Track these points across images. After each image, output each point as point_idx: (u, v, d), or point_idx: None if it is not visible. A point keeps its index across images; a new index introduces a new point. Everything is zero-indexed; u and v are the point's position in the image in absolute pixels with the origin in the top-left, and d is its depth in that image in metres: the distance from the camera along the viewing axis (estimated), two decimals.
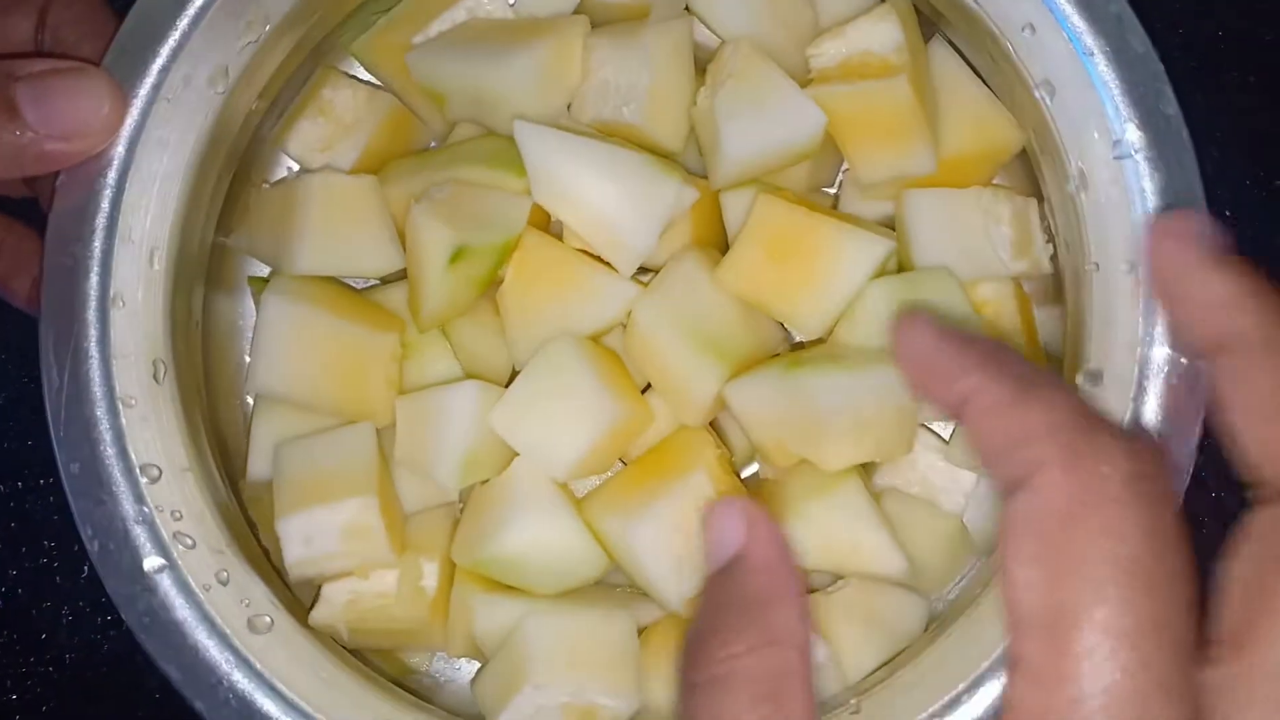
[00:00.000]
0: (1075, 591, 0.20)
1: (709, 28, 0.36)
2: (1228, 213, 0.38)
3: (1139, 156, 0.29)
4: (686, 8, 0.36)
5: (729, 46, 0.33)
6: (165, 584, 0.29)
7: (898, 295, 0.32)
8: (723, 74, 0.33)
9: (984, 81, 0.35)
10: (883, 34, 0.31)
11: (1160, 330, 0.29)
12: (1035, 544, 0.21)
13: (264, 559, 0.33)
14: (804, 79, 0.33)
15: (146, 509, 0.29)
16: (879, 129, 0.32)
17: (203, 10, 0.32)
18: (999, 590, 0.21)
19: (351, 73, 0.38)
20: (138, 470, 0.30)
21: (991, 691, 0.29)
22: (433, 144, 0.39)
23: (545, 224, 0.35)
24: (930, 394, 0.25)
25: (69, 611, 0.39)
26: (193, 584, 0.29)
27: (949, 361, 0.24)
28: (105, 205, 0.31)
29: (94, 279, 0.30)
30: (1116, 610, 0.20)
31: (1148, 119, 0.29)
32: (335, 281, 0.36)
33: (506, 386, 0.34)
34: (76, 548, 0.39)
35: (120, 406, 0.30)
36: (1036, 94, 0.31)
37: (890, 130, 0.32)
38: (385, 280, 0.37)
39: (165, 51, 0.31)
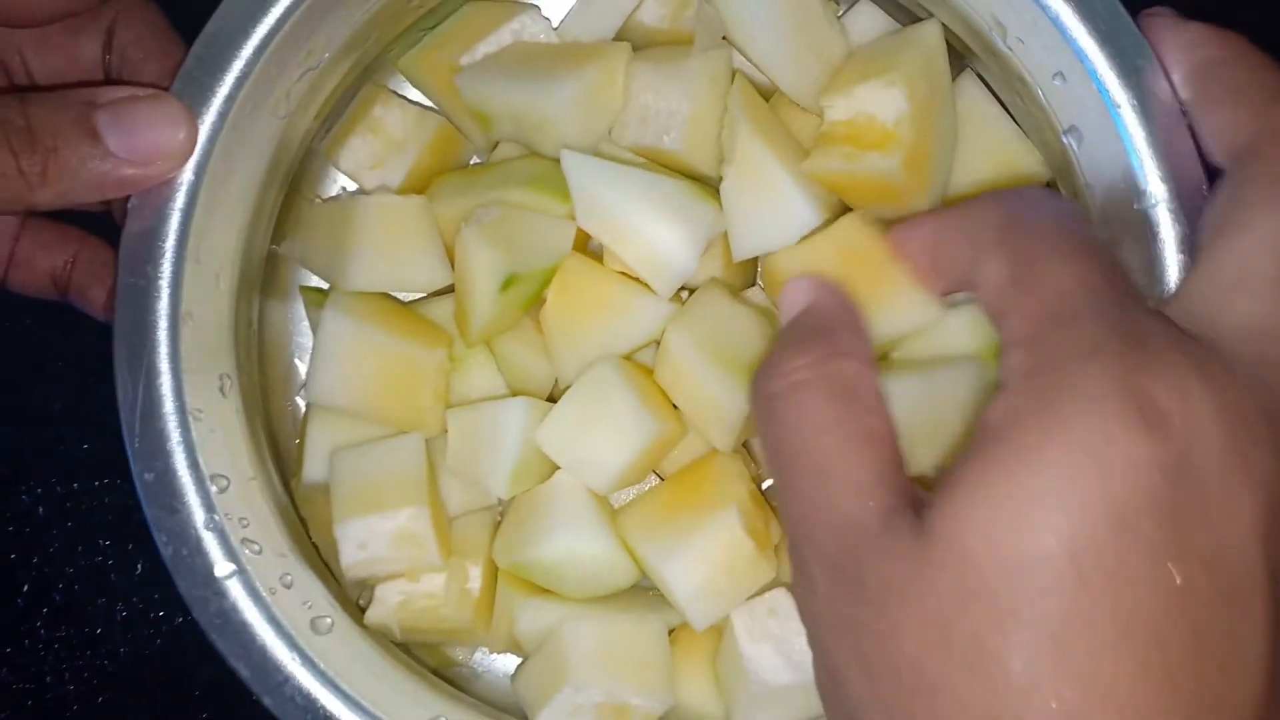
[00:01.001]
0: None
1: (747, 57, 0.37)
2: None
3: (1161, 206, 0.31)
4: (725, 37, 0.37)
5: (730, 110, 0.35)
6: (235, 588, 0.31)
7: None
8: (726, 149, 0.34)
9: (1011, 116, 0.36)
10: (889, 102, 0.32)
11: None
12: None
13: (318, 557, 0.35)
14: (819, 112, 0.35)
15: (216, 517, 0.31)
16: (875, 194, 0.34)
17: (266, 39, 0.33)
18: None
19: (397, 88, 0.40)
20: (208, 480, 0.32)
21: None
22: (475, 159, 0.40)
23: (584, 243, 0.37)
24: (942, 276, 0.28)
25: (123, 608, 0.41)
26: (260, 588, 0.31)
27: (955, 241, 0.27)
28: (175, 228, 0.32)
29: (165, 298, 0.32)
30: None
31: (1171, 171, 0.31)
32: (388, 298, 0.37)
33: (549, 399, 0.36)
34: (130, 547, 0.41)
35: (190, 420, 0.32)
36: (1064, 140, 0.33)
37: (887, 194, 0.34)
38: (431, 293, 0.39)
39: (231, 79, 0.33)
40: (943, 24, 0.35)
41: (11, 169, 0.30)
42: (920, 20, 0.36)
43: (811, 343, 0.27)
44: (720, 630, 0.35)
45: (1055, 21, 0.32)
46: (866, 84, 0.34)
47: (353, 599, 0.35)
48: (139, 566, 0.41)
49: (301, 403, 0.39)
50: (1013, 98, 0.35)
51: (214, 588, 0.31)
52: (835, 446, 0.24)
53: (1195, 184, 0.31)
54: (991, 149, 0.36)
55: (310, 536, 0.36)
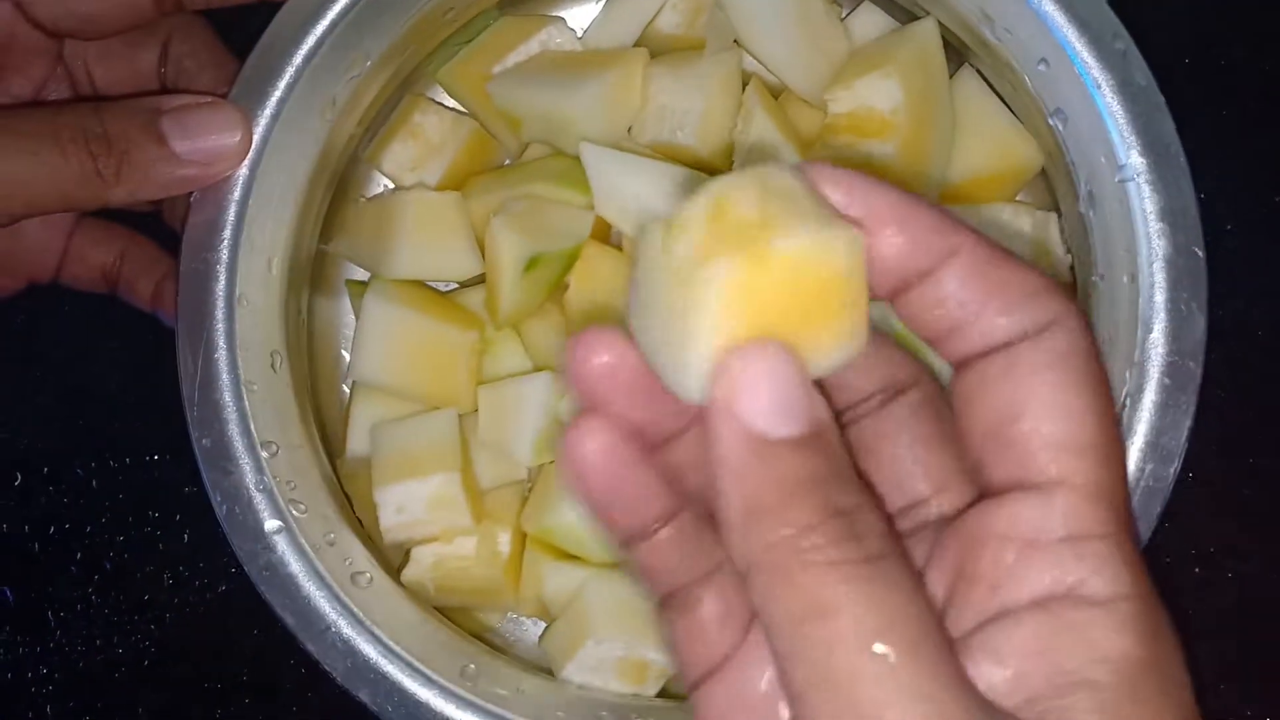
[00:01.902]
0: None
1: (756, 58, 0.40)
2: (1229, 226, 0.41)
3: (1141, 180, 0.33)
4: (735, 41, 0.40)
5: (747, 106, 0.37)
6: (282, 544, 0.34)
7: None
8: (739, 139, 0.37)
9: (1008, 106, 0.38)
10: (886, 93, 0.35)
11: (1155, 337, 0.32)
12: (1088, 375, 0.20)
13: (360, 526, 0.38)
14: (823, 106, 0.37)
15: (266, 479, 0.34)
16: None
17: (315, 49, 0.36)
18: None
19: (436, 98, 0.43)
20: (259, 446, 0.34)
21: None
22: (507, 161, 0.44)
23: (605, 235, 0.39)
24: (912, 243, 0.20)
25: (170, 576, 0.43)
26: (304, 544, 0.34)
27: (928, 215, 0.20)
28: (232, 219, 0.36)
29: (222, 282, 0.35)
30: None
31: (1149, 146, 0.33)
32: (424, 285, 0.40)
33: None
34: (178, 518, 0.43)
35: (244, 391, 0.35)
36: (1050, 121, 0.35)
37: (888, 179, 0.36)
38: (465, 284, 0.41)
39: (283, 85, 0.36)
40: (939, 21, 0.38)
41: (91, 170, 0.34)
42: (918, 19, 0.38)
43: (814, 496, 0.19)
44: None
45: (1038, 11, 0.34)
46: (865, 77, 0.36)
47: (392, 564, 0.38)
48: (185, 536, 0.43)
49: (347, 390, 0.42)
50: (1005, 87, 0.37)
51: (263, 542, 0.34)
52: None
53: (1172, 157, 0.32)
54: (989, 138, 0.38)
55: (355, 511, 0.38)
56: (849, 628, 0.18)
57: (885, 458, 0.22)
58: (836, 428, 0.19)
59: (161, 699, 0.43)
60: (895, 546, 0.19)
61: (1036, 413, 0.20)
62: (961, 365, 0.21)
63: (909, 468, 0.22)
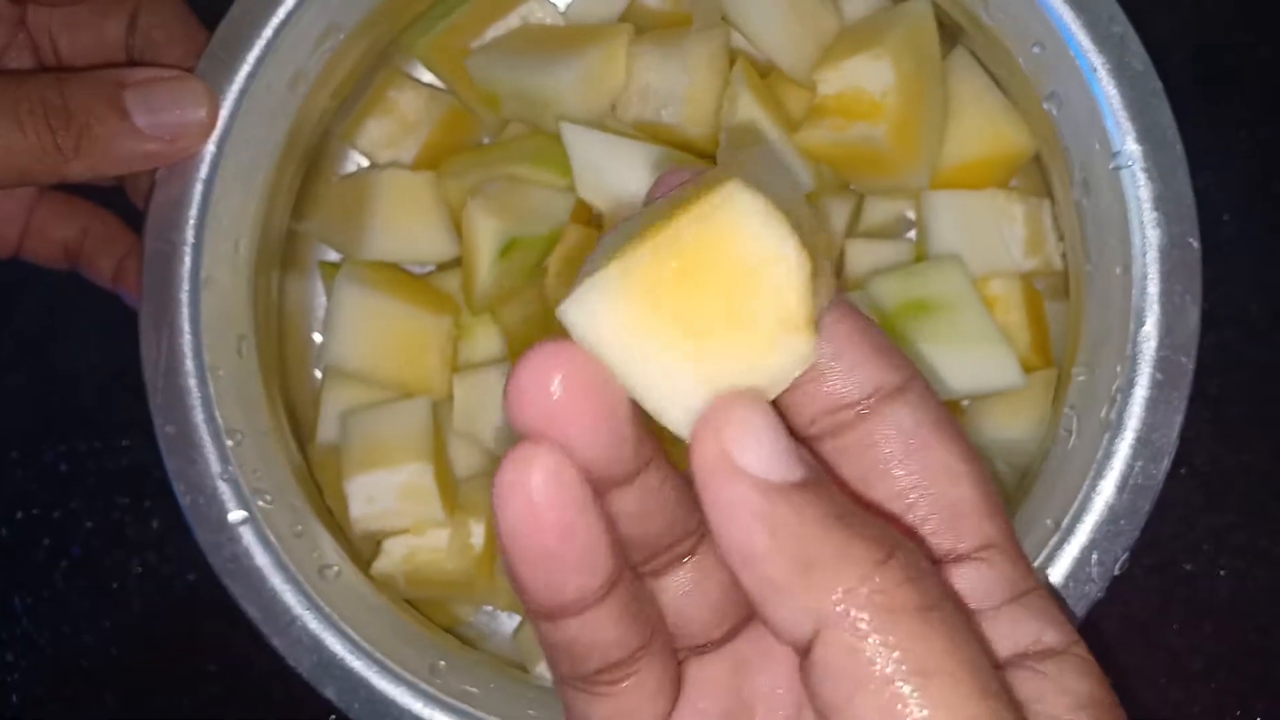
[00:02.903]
0: None
1: (744, 35, 0.39)
2: (1226, 216, 0.40)
3: (1136, 168, 0.32)
4: (723, 17, 0.38)
5: (733, 86, 0.36)
6: (247, 535, 0.33)
7: (908, 287, 0.35)
8: (725, 118, 0.36)
9: (1001, 90, 0.37)
10: (876, 74, 0.33)
11: (1147, 330, 0.31)
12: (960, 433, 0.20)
13: (330, 516, 0.37)
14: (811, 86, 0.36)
15: (231, 468, 0.33)
16: (866, 164, 0.35)
17: (285, 22, 0.35)
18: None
19: (412, 72, 0.42)
20: (224, 433, 0.33)
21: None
22: (485, 139, 0.42)
23: (586, 217, 0.38)
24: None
25: (138, 563, 0.42)
26: (270, 535, 0.33)
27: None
28: (198, 197, 0.34)
29: (188, 263, 0.34)
30: None
31: (1145, 133, 0.32)
32: (398, 268, 0.39)
33: None
34: (147, 504, 0.42)
35: (209, 376, 0.34)
36: (1045, 106, 0.34)
37: (877, 164, 0.35)
38: (441, 266, 0.40)
39: (251, 59, 0.35)
40: (932, 1, 0.36)
41: (50, 144, 0.32)
42: None
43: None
44: None
45: None
46: (855, 58, 0.35)
47: (362, 555, 0.37)
48: (154, 523, 0.42)
49: (319, 374, 0.41)
50: (999, 70, 0.36)
51: (227, 533, 0.33)
52: None
53: (1169, 144, 0.31)
54: (982, 120, 0.37)
55: (325, 501, 0.37)
56: (967, 674, 0.16)
57: None
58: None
59: (128, 687, 0.42)
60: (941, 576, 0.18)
61: (937, 480, 0.19)
62: (820, 430, 0.20)
63: None
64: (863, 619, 0.16)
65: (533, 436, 0.17)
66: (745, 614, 0.21)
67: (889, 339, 0.20)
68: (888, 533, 0.17)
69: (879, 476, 0.19)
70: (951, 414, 0.20)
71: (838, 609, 0.16)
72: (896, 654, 0.16)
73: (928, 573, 0.17)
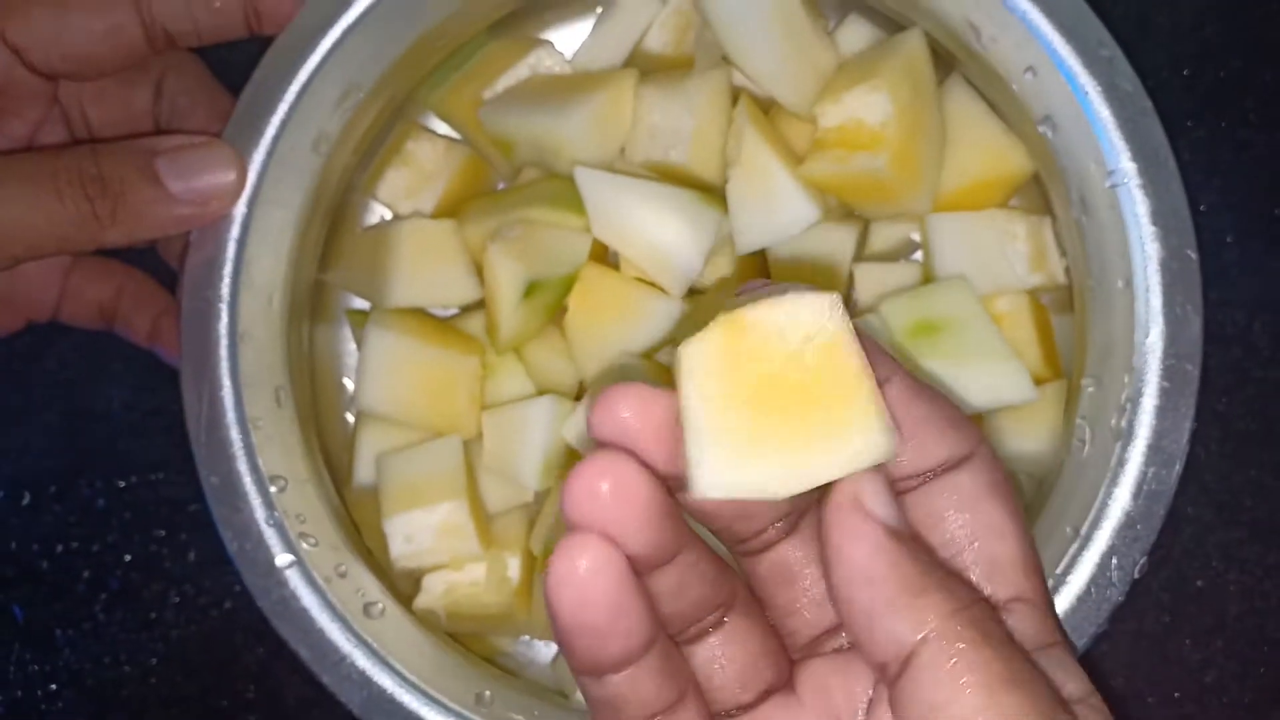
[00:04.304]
0: None
1: (745, 74, 0.40)
2: (1229, 238, 0.41)
3: (1131, 185, 0.33)
4: (724, 57, 0.40)
5: (737, 123, 0.37)
6: (294, 577, 0.34)
7: (917, 308, 0.36)
8: (731, 155, 0.37)
9: (998, 114, 0.38)
10: (875, 105, 0.35)
11: (1152, 340, 0.32)
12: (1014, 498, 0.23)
13: (370, 556, 0.38)
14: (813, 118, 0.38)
15: (276, 514, 0.34)
16: (869, 193, 0.36)
17: (306, 85, 0.36)
18: None
19: (429, 124, 0.43)
20: (267, 481, 0.35)
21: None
22: (501, 185, 0.44)
23: (603, 255, 0.40)
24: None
25: (175, 594, 0.43)
26: (316, 577, 0.34)
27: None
28: (231, 256, 0.36)
29: (225, 320, 0.35)
30: None
31: (1139, 151, 0.33)
32: (424, 313, 0.41)
33: (576, 399, 0.39)
34: (183, 536, 0.43)
35: (250, 427, 0.35)
36: (1040, 129, 0.35)
37: (880, 192, 0.36)
38: (464, 309, 0.42)
39: (276, 122, 0.36)
40: (925, 31, 0.38)
41: (88, 212, 0.34)
42: (905, 29, 0.38)
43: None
44: None
45: (1024, 20, 0.34)
46: (854, 90, 0.36)
47: (402, 592, 0.38)
48: (191, 554, 0.43)
49: (351, 418, 0.42)
50: (994, 95, 0.38)
51: (275, 577, 0.34)
52: None
53: (1162, 161, 0.33)
54: (979, 145, 0.38)
55: (364, 541, 0.39)
56: (1044, 690, 0.20)
57: (802, 583, 0.23)
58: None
59: (168, 716, 0.43)
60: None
61: (985, 536, 0.22)
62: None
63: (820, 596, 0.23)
64: (963, 633, 0.20)
65: (583, 529, 0.20)
66: (769, 682, 0.23)
67: (958, 410, 0.23)
68: (971, 585, 0.21)
69: (934, 523, 0.22)
70: (1007, 476, 0.22)
71: (946, 622, 0.20)
72: (993, 665, 0.19)
73: (1000, 618, 0.21)
